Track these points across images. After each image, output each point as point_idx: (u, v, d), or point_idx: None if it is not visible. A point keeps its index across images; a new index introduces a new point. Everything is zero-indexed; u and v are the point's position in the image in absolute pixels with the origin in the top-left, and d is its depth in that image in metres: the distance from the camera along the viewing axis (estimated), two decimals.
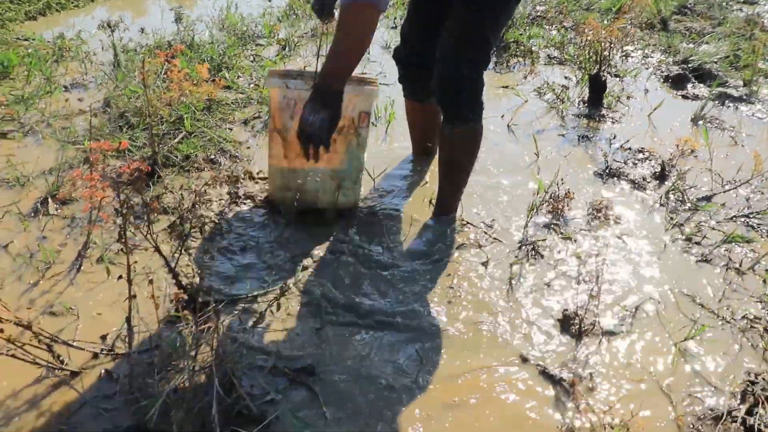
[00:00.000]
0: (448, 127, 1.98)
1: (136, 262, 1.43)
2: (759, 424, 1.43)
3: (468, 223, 2.16)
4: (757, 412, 1.46)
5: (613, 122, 3.10)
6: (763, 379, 1.57)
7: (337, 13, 1.92)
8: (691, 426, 1.46)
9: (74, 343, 1.48)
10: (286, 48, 3.75)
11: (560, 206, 2.22)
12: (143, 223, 1.41)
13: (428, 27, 2.04)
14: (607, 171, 2.57)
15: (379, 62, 3.56)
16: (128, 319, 1.36)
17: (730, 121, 3.19)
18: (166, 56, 2.24)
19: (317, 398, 1.45)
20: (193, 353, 1.29)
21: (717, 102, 3.41)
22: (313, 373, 1.52)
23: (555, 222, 2.20)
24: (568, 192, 2.25)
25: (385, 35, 3.98)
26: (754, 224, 2.28)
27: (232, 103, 2.93)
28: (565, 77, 3.64)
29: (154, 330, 1.55)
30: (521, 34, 4.15)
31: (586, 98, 3.26)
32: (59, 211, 2.08)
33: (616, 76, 3.69)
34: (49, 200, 2.10)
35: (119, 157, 2.38)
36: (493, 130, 2.88)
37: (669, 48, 4.19)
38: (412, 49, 2.16)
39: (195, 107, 2.72)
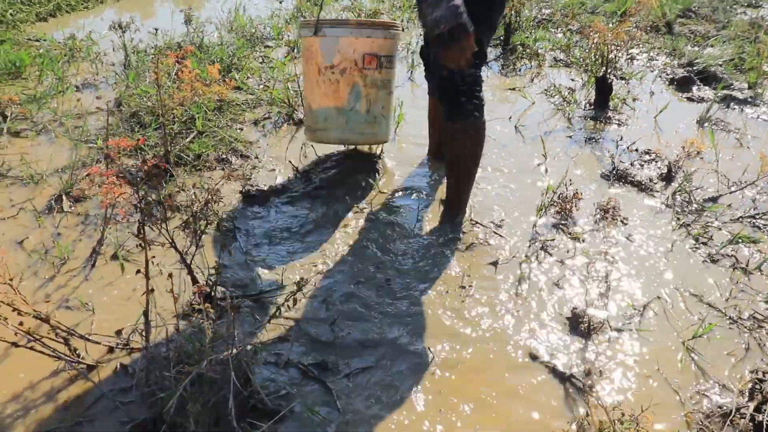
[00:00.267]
0: (451, 123, 2.02)
1: (154, 257, 1.45)
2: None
3: (477, 222, 2.18)
4: (765, 410, 1.47)
5: (619, 124, 3.12)
6: None
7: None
8: (700, 422, 1.48)
9: (91, 337, 1.50)
10: (295, 50, 3.78)
11: (568, 206, 2.24)
12: (159, 219, 1.44)
13: None
14: (614, 172, 2.59)
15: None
16: (146, 313, 1.38)
17: (735, 123, 3.20)
18: (177, 57, 2.27)
19: (330, 393, 1.47)
20: (212, 346, 1.31)
21: (722, 104, 3.43)
22: (326, 368, 1.54)
23: (563, 222, 2.22)
24: (576, 192, 2.27)
25: None
26: (761, 225, 2.29)
27: (242, 103, 2.96)
28: (572, 80, 3.66)
29: (170, 324, 1.57)
30: (528, 37, 4.17)
31: (592, 100, 3.28)
32: (73, 208, 2.11)
33: (622, 78, 3.71)
34: (63, 197, 2.13)
35: (132, 155, 2.41)
36: (501, 132, 2.91)
37: (674, 51, 4.21)
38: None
39: (206, 107, 2.75)
